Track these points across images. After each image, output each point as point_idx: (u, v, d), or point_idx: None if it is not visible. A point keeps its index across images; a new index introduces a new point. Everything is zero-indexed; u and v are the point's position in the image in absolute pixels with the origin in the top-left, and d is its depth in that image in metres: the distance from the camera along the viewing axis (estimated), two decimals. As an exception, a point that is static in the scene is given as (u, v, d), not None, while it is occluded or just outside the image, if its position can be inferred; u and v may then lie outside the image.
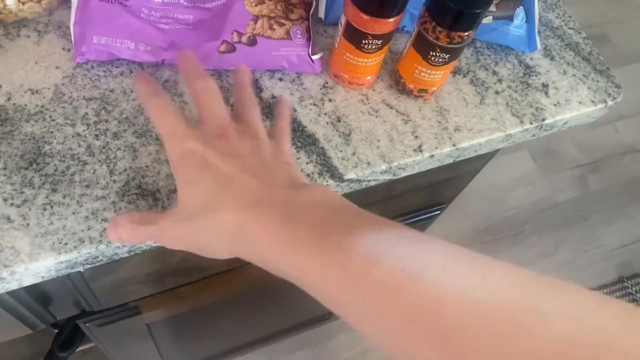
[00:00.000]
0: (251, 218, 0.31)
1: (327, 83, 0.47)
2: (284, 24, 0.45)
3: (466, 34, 0.42)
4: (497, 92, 0.50)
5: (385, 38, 0.43)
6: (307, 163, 0.44)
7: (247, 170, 0.33)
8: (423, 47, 0.43)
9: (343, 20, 0.43)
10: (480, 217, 1.46)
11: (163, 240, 0.36)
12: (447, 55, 0.43)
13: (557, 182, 1.55)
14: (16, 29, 0.44)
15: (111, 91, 0.43)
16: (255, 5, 0.45)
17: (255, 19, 0.45)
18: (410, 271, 0.25)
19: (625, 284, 1.43)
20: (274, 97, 0.46)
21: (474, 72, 0.51)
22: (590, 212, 1.52)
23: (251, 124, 0.37)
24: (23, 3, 0.43)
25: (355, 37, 0.43)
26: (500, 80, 0.51)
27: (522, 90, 0.51)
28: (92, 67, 0.44)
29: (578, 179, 1.56)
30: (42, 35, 0.44)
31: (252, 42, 0.45)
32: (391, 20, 0.41)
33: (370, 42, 0.43)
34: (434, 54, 0.43)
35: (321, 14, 0.49)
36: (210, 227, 0.33)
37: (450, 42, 0.42)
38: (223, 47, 0.44)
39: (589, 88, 0.52)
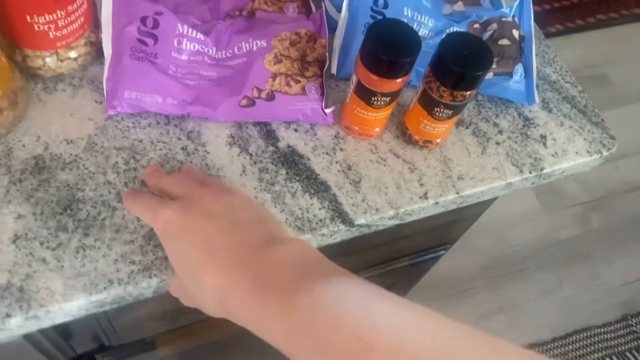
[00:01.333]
0: (229, 283, 0.33)
1: (338, 134, 0.51)
2: (299, 81, 0.49)
3: (468, 93, 0.45)
4: (497, 143, 0.53)
5: (393, 95, 0.46)
6: (319, 209, 0.47)
7: (224, 230, 0.35)
8: (428, 103, 0.47)
9: (354, 79, 0.47)
10: (483, 254, 1.48)
11: (176, 295, 0.41)
12: (451, 111, 0.47)
13: (559, 219, 1.57)
14: (53, 83, 0.48)
15: (139, 141, 0.47)
16: (274, 64, 0.49)
17: (274, 76, 0.49)
18: (365, 340, 0.27)
19: (630, 322, 1.43)
20: (289, 146, 0.49)
21: (476, 123, 0.54)
22: (592, 249, 1.54)
23: (220, 184, 0.40)
24: (61, 61, 0.47)
25: (365, 94, 0.46)
26: (500, 132, 0.54)
27: (522, 141, 0.54)
28: (122, 118, 0.48)
29: (580, 216, 1.59)
30: (77, 89, 0.48)
31: (271, 97, 0.48)
32: (399, 80, 0.45)
33: (379, 99, 0.46)
34: (439, 110, 0.47)
35: (333, 70, 0.53)
36: (198, 293, 0.35)
37: (454, 100, 0.45)
38: (244, 102, 0.48)
39: (585, 139, 0.55)
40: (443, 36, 0.45)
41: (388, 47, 0.43)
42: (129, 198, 0.42)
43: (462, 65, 0.43)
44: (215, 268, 0.34)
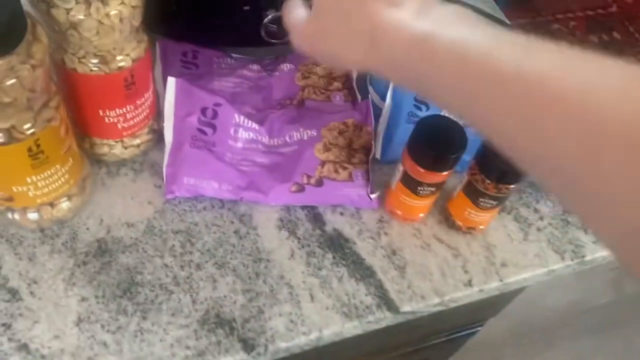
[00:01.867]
0: (388, 26, 0.30)
1: (383, 217, 0.53)
2: (346, 168, 0.51)
3: (513, 186, 0.47)
4: (539, 229, 0.54)
5: (439, 185, 0.48)
6: (365, 295, 0.48)
7: None
8: (473, 194, 0.48)
9: (401, 168, 0.49)
10: (515, 319, 1.45)
11: (296, 42, 0.36)
12: (495, 202, 0.48)
13: (591, 285, 1.54)
14: (116, 168, 0.51)
15: (195, 225, 0.49)
16: (323, 152, 0.51)
17: (323, 163, 0.51)
18: (547, 67, 0.25)
19: (668, 395, 1.38)
20: (335, 230, 0.51)
21: (517, 209, 0.55)
22: (627, 316, 1.50)
23: None
24: (125, 148, 0.50)
25: (411, 184, 0.48)
26: (541, 218, 0.55)
27: (563, 227, 0.55)
28: (180, 202, 0.50)
29: (613, 282, 1.56)
30: (138, 174, 0.51)
31: (319, 183, 0.51)
32: (445, 173, 0.47)
33: (425, 188, 0.48)
34: (483, 200, 0.48)
35: (377, 155, 0.55)
36: (342, 32, 0.32)
37: (498, 192, 0.47)
38: (294, 188, 0.50)
39: (625, 226, 0.56)
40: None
41: (436, 142, 0.45)
42: None
43: (507, 161, 0.45)
44: (376, 7, 0.31)
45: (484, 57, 0.27)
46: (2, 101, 0.35)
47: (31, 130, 0.38)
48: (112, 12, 0.39)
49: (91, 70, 0.42)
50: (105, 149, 0.50)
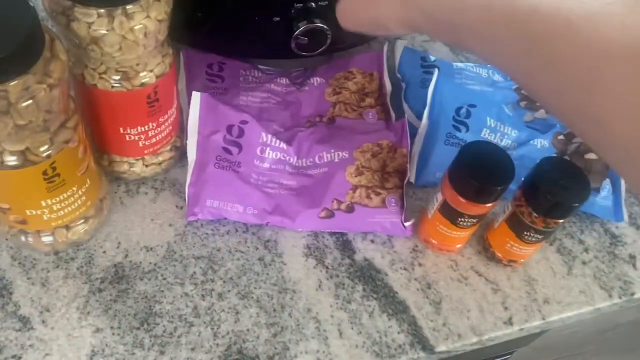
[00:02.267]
0: None
1: (416, 247, 0.49)
2: (380, 193, 0.48)
3: (562, 220, 0.43)
4: (584, 263, 0.50)
5: (481, 217, 0.45)
6: (398, 333, 0.44)
7: None
8: (517, 226, 0.45)
9: (440, 197, 0.45)
10: (540, 337, 1.41)
11: (340, 15, 0.36)
12: (541, 236, 0.45)
13: (619, 303, 1.49)
14: (136, 186, 0.48)
15: (218, 250, 0.46)
16: (355, 176, 0.48)
17: (354, 188, 0.48)
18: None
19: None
20: (366, 259, 0.48)
21: (560, 240, 0.52)
22: (655, 336, 1.45)
23: None
24: (146, 166, 0.47)
25: (451, 214, 0.45)
26: (586, 250, 0.51)
27: (609, 262, 0.51)
28: (202, 225, 0.47)
29: (641, 300, 1.50)
30: (159, 193, 0.48)
31: (350, 209, 0.47)
32: (489, 205, 0.43)
33: (466, 220, 0.44)
34: (528, 234, 0.45)
35: (412, 179, 0.52)
36: None
37: (546, 226, 0.43)
38: (323, 214, 0.47)
39: (678, 261, 0.52)
40: (539, 161, 0.43)
41: (480, 171, 0.42)
42: None
43: (557, 194, 0.41)
44: None
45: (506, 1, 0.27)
46: (16, 123, 0.32)
47: (47, 153, 0.36)
48: (137, 27, 0.36)
49: (112, 86, 0.40)
50: (125, 167, 0.47)
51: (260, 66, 0.56)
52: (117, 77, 0.39)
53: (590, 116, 0.25)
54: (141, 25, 0.36)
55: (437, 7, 0.30)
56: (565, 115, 0.27)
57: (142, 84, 0.40)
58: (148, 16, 0.36)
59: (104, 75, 0.39)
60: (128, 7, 0.35)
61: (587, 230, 0.53)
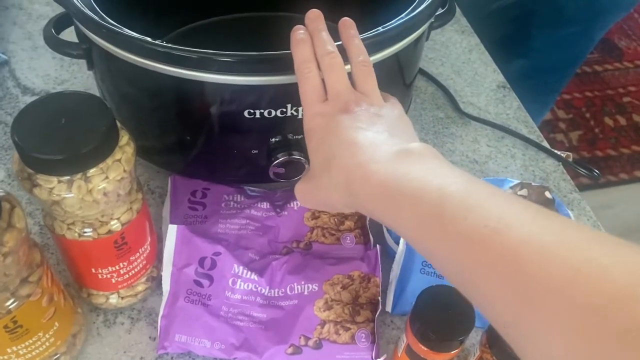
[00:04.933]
0: (356, 175, 0.36)
1: (390, 382, 0.48)
2: (349, 328, 0.48)
3: (529, 372, 0.41)
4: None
5: (447, 361, 0.43)
6: None
7: (355, 136, 0.37)
8: (485, 372, 0.43)
9: (404, 339, 0.44)
10: None
11: (298, 198, 0.43)
12: (511, 384, 0.43)
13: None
14: (114, 316, 0.50)
15: (185, 385, 0.47)
16: (324, 311, 0.48)
17: (323, 323, 0.48)
18: (493, 226, 0.28)
19: None
20: (336, 396, 0.47)
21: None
22: None
23: (368, 96, 0.41)
24: (122, 298, 0.49)
25: (416, 359, 0.43)
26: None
27: None
28: (172, 358, 0.48)
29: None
30: (135, 322, 0.50)
31: (318, 345, 0.47)
32: (452, 352, 0.42)
33: (430, 364, 0.43)
34: (497, 381, 0.43)
35: (388, 307, 0.51)
36: (328, 185, 0.38)
37: (513, 377, 0.41)
38: (290, 350, 0.47)
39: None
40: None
41: (439, 322, 0.41)
42: (300, 45, 0.42)
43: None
44: (345, 165, 0.37)
45: (435, 212, 0.31)
46: (-29, 291, 0.34)
47: (9, 308, 0.38)
48: (96, 189, 0.38)
49: (80, 236, 0.42)
50: (102, 299, 0.49)
51: (245, 187, 0.58)
52: (85, 229, 0.42)
53: (519, 352, 0.28)
54: (100, 187, 0.39)
55: (373, 207, 0.35)
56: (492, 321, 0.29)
57: (109, 232, 0.42)
58: (107, 177, 0.39)
59: (71, 227, 0.42)
60: (88, 171, 0.38)
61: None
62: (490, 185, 0.32)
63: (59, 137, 0.38)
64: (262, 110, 0.48)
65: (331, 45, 0.42)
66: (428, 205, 0.31)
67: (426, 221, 0.31)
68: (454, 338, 0.40)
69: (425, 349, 0.42)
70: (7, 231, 0.35)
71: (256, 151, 0.52)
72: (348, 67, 0.43)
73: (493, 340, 0.42)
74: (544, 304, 0.25)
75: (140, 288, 0.49)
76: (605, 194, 1.70)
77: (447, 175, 0.33)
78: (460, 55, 0.78)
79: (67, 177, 0.38)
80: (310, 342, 0.47)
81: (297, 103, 0.48)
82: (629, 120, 1.94)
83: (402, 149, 0.36)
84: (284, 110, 0.49)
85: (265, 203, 0.56)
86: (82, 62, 0.53)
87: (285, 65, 0.43)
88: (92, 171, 0.38)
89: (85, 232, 0.42)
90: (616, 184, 1.75)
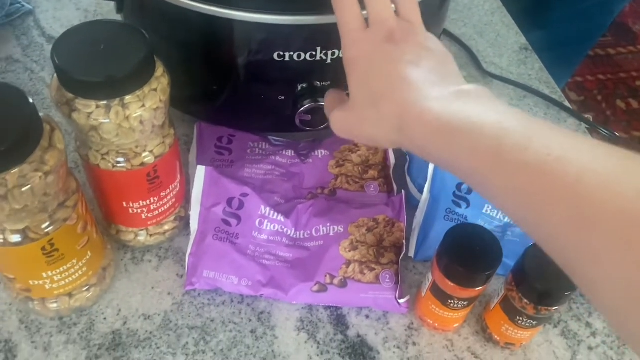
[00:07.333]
0: (410, 113, 0.34)
1: (412, 324, 0.49)
2: (374, 269, 0.48)
3: (554, 308, 0.42)
4: (590, 348, 0.48)
5: (472, 300, 0.44)
6: (385, 415, 0.44)
7: (408, 72, 0.35)
8: (510, 310, 0.44)
9: (430, 277, 0.45)
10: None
11: (335, 128, 0.40)
12: (535, 322, 0.43)
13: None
14: (141, 254, 0.51)
15: (212, 320, 0.48)
16: (349, 251, 0.49)
17: (348, 263, 0.48)
18: (556, 155, 0.28)
19: None
20: (359, 336, 0.48)
21: (566, 322, 0.50)
22: None
23: (414, 25, 0.39)
24: (151, 236, 0.50)
25: (441, 296, 0.44)
26: (594, 334, 0.49)
27: (619, 348, 0.48)
28: (199, 294, 0.49)
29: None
30: (162, 261, 0.51)
31: (343, 284, 0.48)
32: (477, 289, 0.42)
33: (456, 302, 0.44)
34: (521, 319, 0.43)
35: (411, 253, 0.52)
36: (374, 120, 0.36)
37: (537, 313, 0.42)
38: (316, 288, 0.48)
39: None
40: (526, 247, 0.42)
41: (467, 256, 0.41)
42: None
43: (547, 282, 0.40)
44: (395, 100, 0.35)
45: (494, 144, 0.30)
46: (13, 207, 0.35)
47: (46, 230, 0.39)
48: (133, 116, 0.39)
49: (114, 166, 0.42)
50: (131, 236, 0.49)
51: (270, 137, 0.58)
52: (118, 159, 0.42)
53: (578, 277, 0.27)
54: (137, 114, 0.39)
55: (428, 144, 0.34)
56: (554, 255, 0.29)
57: (142, 164, 0.43)
58: (144, 105, 0.39)
59: (106, 157, 0.42)
60: (125, 97, 0.38)
61: (595, 313, 0.50)
62: (547, 121, 0.31)
63: (98, 61, 0.38)
64: (291, 53, 0.48)
65: None
66: (487, 138, 0.30)
67: (484, 153, 0.30)
68: (481, 271, 0.41)
69: (452, 284, 0.42)
70: (48, 150, 0.36)
71: (283, 97, 0.53)
72: None
73: (519, 279, 0.42)
74: (607, 226, 0.25)
75: (168, 227, 0.50)
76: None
77: (505, 112, 0.32)
78: (482, 17, 0.78)
79: (105, 102, 0.38)
80: (336, 281, 0.48)
81: (326, 46, 0.48)
82: (642, 103, 1.93)
83: (458, 90, 0.35)
84: (313, 53, 0.49)
85: (290, 151, 0.56)
86: (106, 15, 0.53)
87: (318, 4, 0.44)
88: (129, 98, 0.39)
89: (119, 163, 0.42)
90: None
